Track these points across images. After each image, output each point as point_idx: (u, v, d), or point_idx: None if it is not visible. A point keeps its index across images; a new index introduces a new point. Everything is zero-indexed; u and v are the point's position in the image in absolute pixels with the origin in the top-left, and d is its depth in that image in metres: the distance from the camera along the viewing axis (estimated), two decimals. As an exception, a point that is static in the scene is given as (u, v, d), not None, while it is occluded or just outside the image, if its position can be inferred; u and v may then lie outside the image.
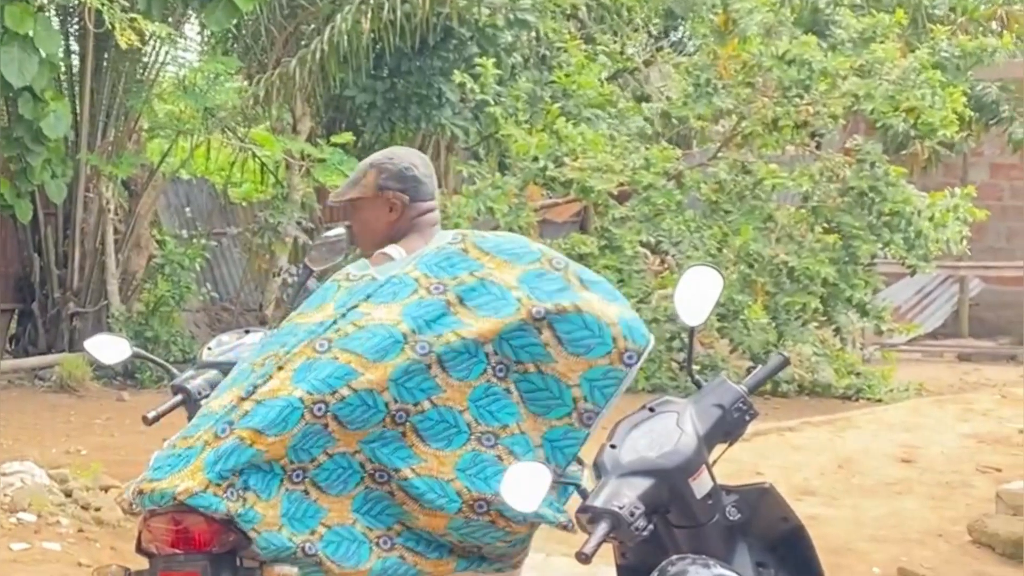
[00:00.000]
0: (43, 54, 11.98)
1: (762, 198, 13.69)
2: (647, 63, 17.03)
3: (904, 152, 15.04)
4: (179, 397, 4.21)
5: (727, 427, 3.29)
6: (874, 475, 8.28)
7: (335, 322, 3.59)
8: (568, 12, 15.65)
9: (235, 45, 15.33)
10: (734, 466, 5.07)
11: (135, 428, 7.53)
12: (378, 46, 13.83)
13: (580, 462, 3.62)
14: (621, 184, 13.31)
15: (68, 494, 7.41)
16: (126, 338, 4.70)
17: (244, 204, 16.22)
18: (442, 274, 3.65)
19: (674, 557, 3.16)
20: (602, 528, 3.07)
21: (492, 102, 13.54)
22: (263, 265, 15.02)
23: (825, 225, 13.62)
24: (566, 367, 3.57)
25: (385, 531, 3.56)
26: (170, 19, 13.29)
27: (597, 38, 15.99)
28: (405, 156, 3.99)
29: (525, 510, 3.29)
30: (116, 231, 13.84)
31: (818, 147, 14.90)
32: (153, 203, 14.33)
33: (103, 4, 11.43)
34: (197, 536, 3.43)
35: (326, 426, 3.47)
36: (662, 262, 14.53)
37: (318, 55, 13.49)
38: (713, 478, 3.25)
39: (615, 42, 16.37)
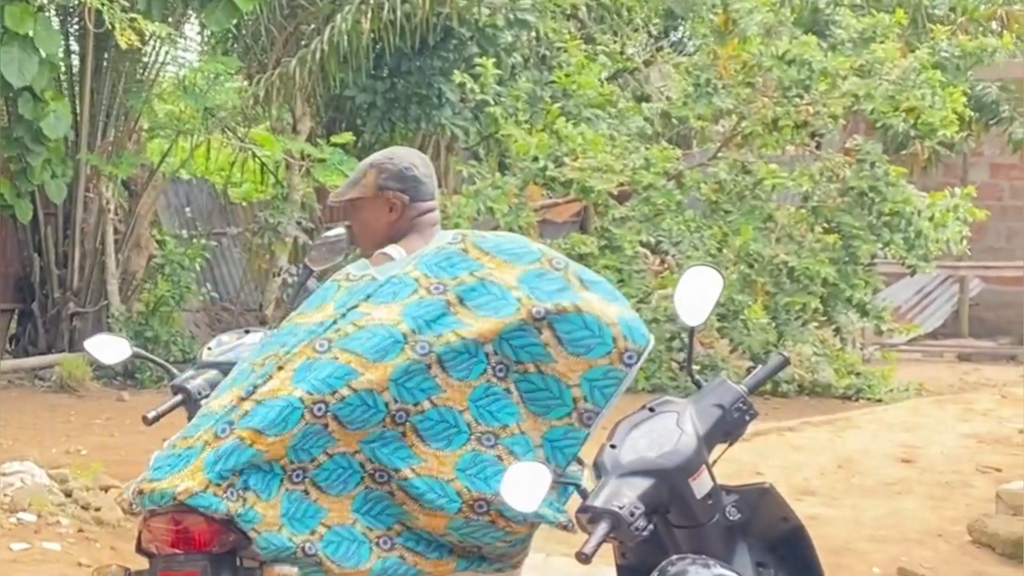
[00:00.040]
0: (43, 54, 11.98)
1: (762, 198, 13.69)
2: (647, 63, 17.03)
3: (904, 152, 15.04)
4: (179, 397, 4.21)
5: (727, 427, 3.29)
6: (874, 475, 8.27)
7: (335, 322, 3.59)
8: (568, 12, 15.65)
9: (235, 45, 15.33)
10: (734, 466, 5.07)
11: (135, 428, 7.53)
12: (378, 46, 13.83)
13: (580, 462, 3.62)
14: (621, 184, 13.31)
15: (68, 494, 7.41)
16: (126, 338, 4.70)
17: (244, 204, 16.21)
18: (442, 274, 3.65)
19: (674, 557, 3.16)
20: (602, 528, 3.07)
21: (492, 102, 13.54)
22: (263, 265, 15.02)
23: (825, 225, 13.61)
24: (566, 367, 3.57)
25: (385, 531, 3.56)
26: (170, 19, 13.29)
27: (597, 38, 15.98)
28: (405, 156, 3.99)
29: (525, 510, 3.29)
30: (116, 231, 13.84)
31: (818, 147, 14.90)
32: (153, 203, 14.33)
33: (103, 4, 11.43)
34: (197, 536, 3.43)
35: (326, 426, 3.47)
36: (662, 262, 14.53)
37: (318, 55, 13.49)
38: (713, 478, 3.25)
39: (615, 42, 16.37)
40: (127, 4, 11.74)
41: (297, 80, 13.59)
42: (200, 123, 13.63)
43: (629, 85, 16.31)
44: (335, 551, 3.50)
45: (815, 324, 13.63)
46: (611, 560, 3.34)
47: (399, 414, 3.51)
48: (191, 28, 15.12)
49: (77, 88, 13.60)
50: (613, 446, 3.24)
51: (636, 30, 17.36)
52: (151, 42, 12.95)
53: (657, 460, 3.18)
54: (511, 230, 11.33)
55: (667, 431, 3.23)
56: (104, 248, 13.69)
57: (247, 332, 4.44)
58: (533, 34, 15.16)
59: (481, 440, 3.55)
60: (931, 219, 13.33)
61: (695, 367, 3.51)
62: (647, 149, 13.57)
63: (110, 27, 11.50)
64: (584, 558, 3.03)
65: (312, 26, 14.69)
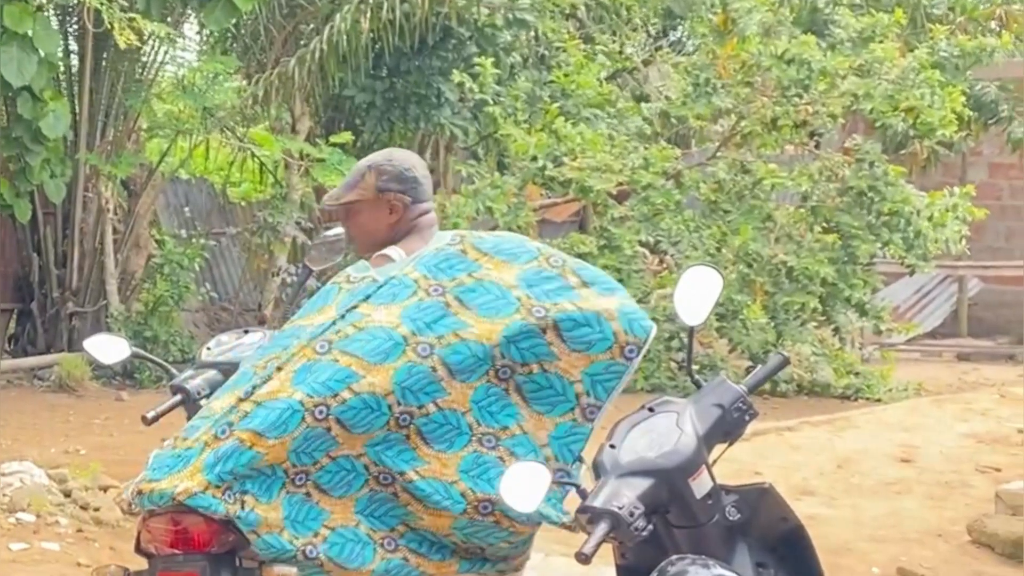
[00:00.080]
0: (42, 54, 11.96)
1: (761, 198, 13.68)
2: (646, 63, 17.01)
3: (903, 152, 15.03)
4: (178, 397, 4.20)
5: (727, 427, 3.29)
6: (873, 475, 8.27)
7: (335, 323, 3.60)
8: (567, 12, 15.63)
9: (234, 45, 15.31)
10: (734, 466, 5.07)
11: (134, 428, 7.53)
12: (377, 46, 13.82)
13: (580, 460, 3.62)
14: (620, 184, 13.30)
15: (67, 494, 7.40)
16: (125, 338, 4.70)
17: (243, 204, 16.20)
18: (440, 276, 3.65)
19: (674, 557, 3.16)
20: (602, 528, 3.07)
21: (491, 102, 13.53)
22: (262, 265, 15.01)
23: (824, 225, 13.60)
24: (568, 364, 3.59)
25: (389, 532, 3.56)
26: (169, 19, 13.27)
27: (596, 38, 15.97)
28: (404, 157, 3.96)
29: (524, 510, 3.29)
30: (115, 231, 13.82)
31: (817, 147, 14.88)
32: (152, 203, 14.32)
33: (102, 4, 11.41)
34: (196, 536, 3.43)
35: (328, 429, 3.47)
36: (661, 262, 14.52)
37: (317, 55, 13.48)
38: (713, 478, 3.25)
39: (614, 42, 16.35)
40: (126, 4, 11.73)
41: (296, 80, 13.58)
42: (199, 123, 13.62)
43: (628, 85, 16.30)
44: (339, 553, 3.50)
45: (814, 324, 13.63)
46: (611, 560, 3.34)
47: (403, 417, 3.51)
48: (190, 28, 15.11)
49: (76, 88, 13.58)
50: (612, 446, 3.24)
51: (635, 30, 17.34)
52: (150, 42, 12.93)
53: (657, 460, 3.18)
54: (510, 230, 11.32)
55: (667, 431, 3.23)
56: (103, 248, 13.68)
57: (246, 332, 4.44)
58: (532, 34, 15.15)
59: (482, 442, 3.55)
60: (930, 219, 13.32)
61: (694, 367, 3.51)
62: (646, 149, 13.56)
63: (109, 27, 11.49)
64: (584, 558, 3.02)
65: (311, 26, 14.69)
